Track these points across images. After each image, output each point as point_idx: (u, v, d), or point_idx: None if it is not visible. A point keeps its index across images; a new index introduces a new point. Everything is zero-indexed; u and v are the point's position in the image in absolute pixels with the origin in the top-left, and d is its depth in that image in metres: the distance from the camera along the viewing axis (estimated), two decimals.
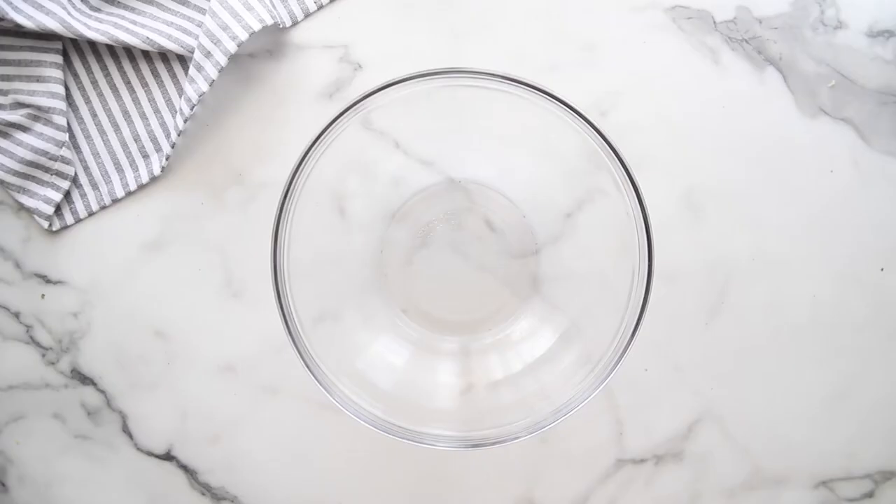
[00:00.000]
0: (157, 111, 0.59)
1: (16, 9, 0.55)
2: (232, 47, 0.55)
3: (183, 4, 0.58)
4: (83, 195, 0.58)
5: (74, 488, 0.58)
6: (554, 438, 0.57)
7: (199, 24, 0.57)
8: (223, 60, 0.55)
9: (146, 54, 0.58)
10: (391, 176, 0.56)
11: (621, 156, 0.49)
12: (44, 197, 0.57)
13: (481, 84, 0.51)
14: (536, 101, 0.50)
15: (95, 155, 0.59)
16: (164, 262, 0.58)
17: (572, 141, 0.51)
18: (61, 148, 0.57)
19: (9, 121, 0.56)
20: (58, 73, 0.57)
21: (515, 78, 0.50)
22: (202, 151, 0.59)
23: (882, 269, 0.58)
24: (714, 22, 0.59)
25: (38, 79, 0.57)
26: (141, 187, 0.58)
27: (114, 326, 0.58)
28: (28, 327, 0.58)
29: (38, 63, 0.57)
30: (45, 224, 0.57)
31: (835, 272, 0.58)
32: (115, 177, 0.59)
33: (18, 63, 0.57)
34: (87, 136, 0.59)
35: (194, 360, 0.58)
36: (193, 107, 0.56)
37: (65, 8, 0.55)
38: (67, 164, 0.57)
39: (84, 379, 0.58)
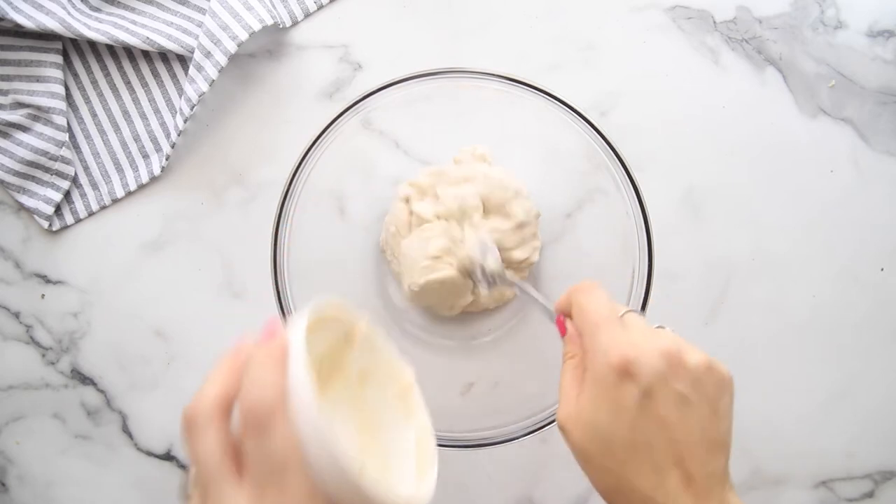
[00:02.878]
0: (157, 111, 0.59)
1: (16, 9, 0.54)
2: (232, 47, 0.55)
3: (183, 4, 0.58)
4: (83, 195, 0.58)
5: (74, 488, 0.58)
6: (554, 438, 0.57)
7: (199, 24, 0.57)
8: (223, 60, 0.55)
9: (146, 54, 0.58)
10: (391, 176, 0.56)
11: (621, 156, 0.49)
12: (44, 197, 0.57)
13: (481, 84, 0.51)
14: (536, 101, 0.50)
15: (95, 155, 0.59)
16: (164, 262, 0.58)
17: (572, 141, 0.51)
18: (61, 148, 0.57)
19: (9, 121, 0.56)
20: (58, 73, 0.57)
21: (515, 78, 0.50)
22: (202, 151, 0.59)
23: (882, 269, 0.58)
24: (714, 22, 0.59)
25: (38, 79, 0.57)
26: (141, 187, 0.58)
27: (114, 326, 0.58)
28: (28, 327, 0.58)
29: (38, 63, 0.57)
30: (45, 224, 0.57)
31: (835, 272, 0.58)
32: (115, 177, 0.59)
33: (18, 63, 0.57)
34: (87, 136, 0.59)
35: (194, 360, 0.58)
36: (193, 107, 0.56)
37: (65, 8, 0.55)
38: (67, 164, 0.57)
39: (84, 379, 0.58)
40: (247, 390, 0.30)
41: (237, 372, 0.31)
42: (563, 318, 0.40)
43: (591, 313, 0.37)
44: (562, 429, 0.37)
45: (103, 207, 0.58)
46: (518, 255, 0.52)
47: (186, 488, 0.32)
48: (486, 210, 0.51)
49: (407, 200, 0.53)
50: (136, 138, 0.59)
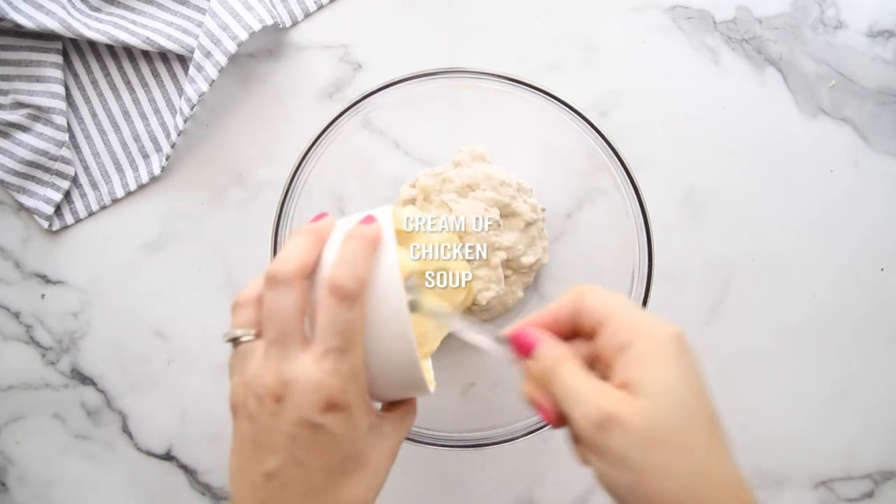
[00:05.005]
0: (157, 111, 0.59)
1: (16, 9, 0.55)
2: (232, 47, 0.55)
3: (183, 4, 0.58)
4: (83, 195, 0.58)
5: (74, 488, 0.58)
6: (554, 438, 0.57)
7: (199, 24, 0.57)
8: (223, 60, 0.55)
9: (146, 54, 0.58)
10: (391, 176, 0.56)
11: (621, 156, 0.49)
12: (44, 197, 0.57)
13: (481, 84, 0.51)
14: (536, 101, 0.50)
15: (95, 155, 0.59)
16: (164, 261, 0.58)
17: (572, 141, 0.51)
18: (61, 148, 0.57)
19: (9, 121, 0.56)
20: (58, 73, 0.57)
21: (515, 78, 0.50)
22: (202, 151, 0.59)
23: (882, 269, 0.58)
24: (714, 22, 0.59)
25: (38, 79, 0.57)
26: (141, 187, 0.58)
27: (114, 326, 0.58)
28: (28, 327, 0.58)
29: (38, 63, 0.57)
30: (45, 224, 0.57)
31: (835, 272, 0.58)
32: (115, 177, 0.59)
33: (18, 63, 0.57)
34: (87, 136, 0.59)
35: (194, 360, 0.58)
36: (193, 107, 0.56)
37: (65, 8, 0.55)
38: (67, 164, 0.57)
39: (84, 379, 0.58)
40: (341, 264, 0.33)
41: (319, 245, 0.35)
42: (522, 332, 0.34)
43: (619, 297, 0.33)
44: (613, 421, 0.29)
45: (103, 207, 0.58)
46: (527, 259, 0.52)
47: (232, 334, 0.34)
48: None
49: (413, 203, 0.53)
50: (136, 138, 0.59)
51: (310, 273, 0.34)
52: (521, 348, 0.34)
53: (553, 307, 0.35)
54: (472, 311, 0.53)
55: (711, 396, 0.31)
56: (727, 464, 0.30)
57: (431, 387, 0.38)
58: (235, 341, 0.35)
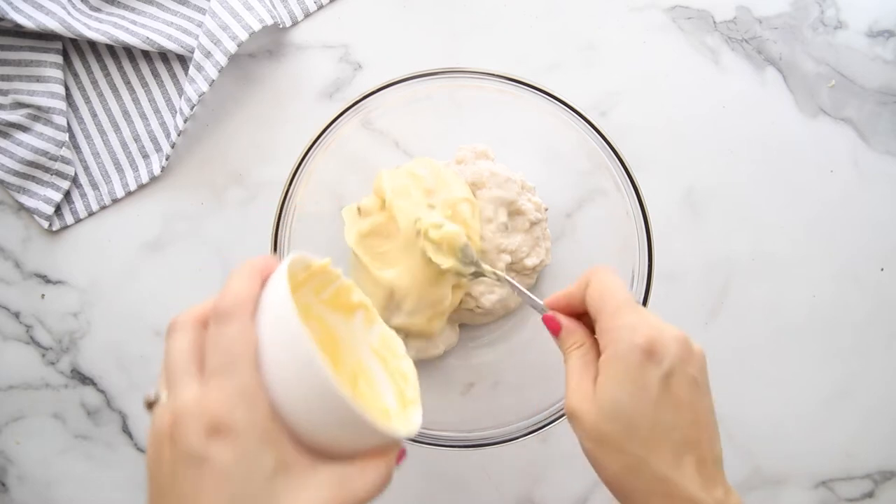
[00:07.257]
0: (157, 111, 0.59)
1: (16, 9, 0.55)
2: (232, 47, 0.55)
3: (183, 4, 0.58)
4: (83, 195, 0.58)
5: (74, 488, 0.58)
6: (554, 438, 0.57)
7: (199, 24, 0.57)
8: (223, 60, 0.55)
9: (146, 54, 0.58)
10: None
11: (621, 156, 0.49)
12: (44, 197, 0.57)
13: (481, 84, 0.51)
14: (536, 101, 0.50)
15: (95, 155, 0.59)
16: (164, 262, 0.58)
17: (572, 141, 0.51)
18: (61, 148, 0.57)
19: (9, 121, 0.56)
20: (58, 73, 0.57)
21: (515, 78, 0.50)
22: (202, 151, 0.59)
23: (882, 269, 0.58)
24: (714, 22, 0.59)
25: (38, 79, 0.57)
26: (141, 187, 0.58)
27: (114, 326, 0.58)
28: (28, 327, 0.58)
29: (38, 63, 0.57)
30: (45, 224, 0.57)
31: (835, 272, 0.58)
32: (115, 177, 0.59)
33: (18, 63, 0.57)
34: (87, 136, 0.59)
35: None
36: (193, 107, 0.56)
37: (65, 8, 0.55)
38: (67, 164, 0.57)
39: (84, 379, 0.58)
40: (220, 294, 0.32)
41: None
42: (551, 316, 0.40)
43: (615, 293, 0.37)
44: (573, 415, 0.36)
45: (103, 207, 0.58)
46: (531, 262, 0.52)
47: (150, 397, 0.32)
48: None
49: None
50: (136, 138, 0.59)
51: (205, 320, 0.32)
52: (551, 326, 0.40)
53: (566, 292, 0.40)
54: (475, 313, 0.53)
55: (667, 405, 0.34)
56: (664, 464, 0.34)
57: (388, 427, 0.31)
58: (152, 406, 0.31)
